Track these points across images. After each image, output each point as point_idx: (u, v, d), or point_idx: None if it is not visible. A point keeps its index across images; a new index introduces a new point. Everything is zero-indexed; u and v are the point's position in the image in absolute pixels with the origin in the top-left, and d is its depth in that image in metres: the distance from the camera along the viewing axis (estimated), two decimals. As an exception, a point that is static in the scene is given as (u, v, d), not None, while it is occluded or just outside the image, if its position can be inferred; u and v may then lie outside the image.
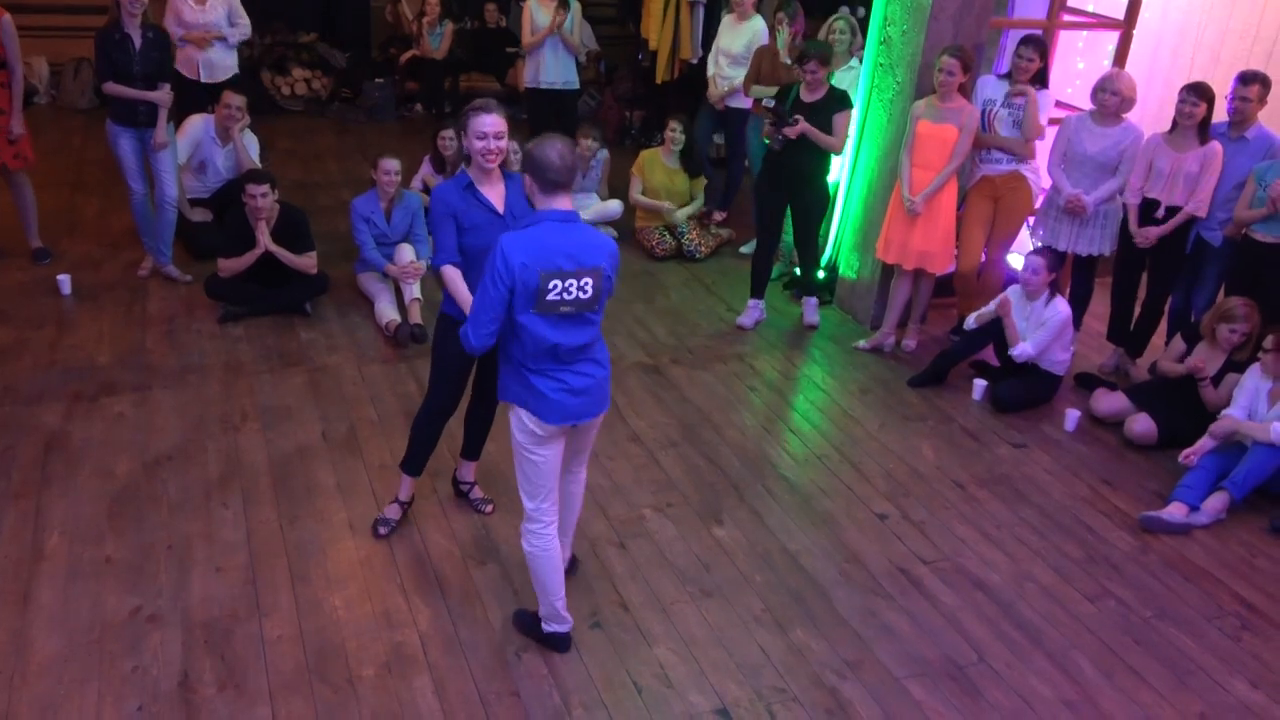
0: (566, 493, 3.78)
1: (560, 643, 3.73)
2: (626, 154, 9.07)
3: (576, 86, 8.31)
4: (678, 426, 5.28)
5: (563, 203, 3.31)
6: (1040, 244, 5.98)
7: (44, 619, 3.69)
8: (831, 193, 6.41)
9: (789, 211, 6.37)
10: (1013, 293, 5.72)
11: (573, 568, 4.07)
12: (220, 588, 3.92)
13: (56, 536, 4.12)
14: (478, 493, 4.50)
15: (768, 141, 6.04)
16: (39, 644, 3.58)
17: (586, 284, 3.29)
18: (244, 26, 7.26)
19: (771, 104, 5.99)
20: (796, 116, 5.86)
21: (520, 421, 3.44)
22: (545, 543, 3.54)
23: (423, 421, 4.17)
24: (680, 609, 4.00)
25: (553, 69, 8.02)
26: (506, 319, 3.31)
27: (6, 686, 3.39)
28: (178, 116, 6.52)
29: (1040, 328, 5.56)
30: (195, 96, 7.07)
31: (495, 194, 3.84)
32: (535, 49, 7.95)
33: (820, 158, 6.07)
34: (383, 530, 4.26)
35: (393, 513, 4.31)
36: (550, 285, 3.24)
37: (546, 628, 3.72)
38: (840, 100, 5.96)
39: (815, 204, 6.24)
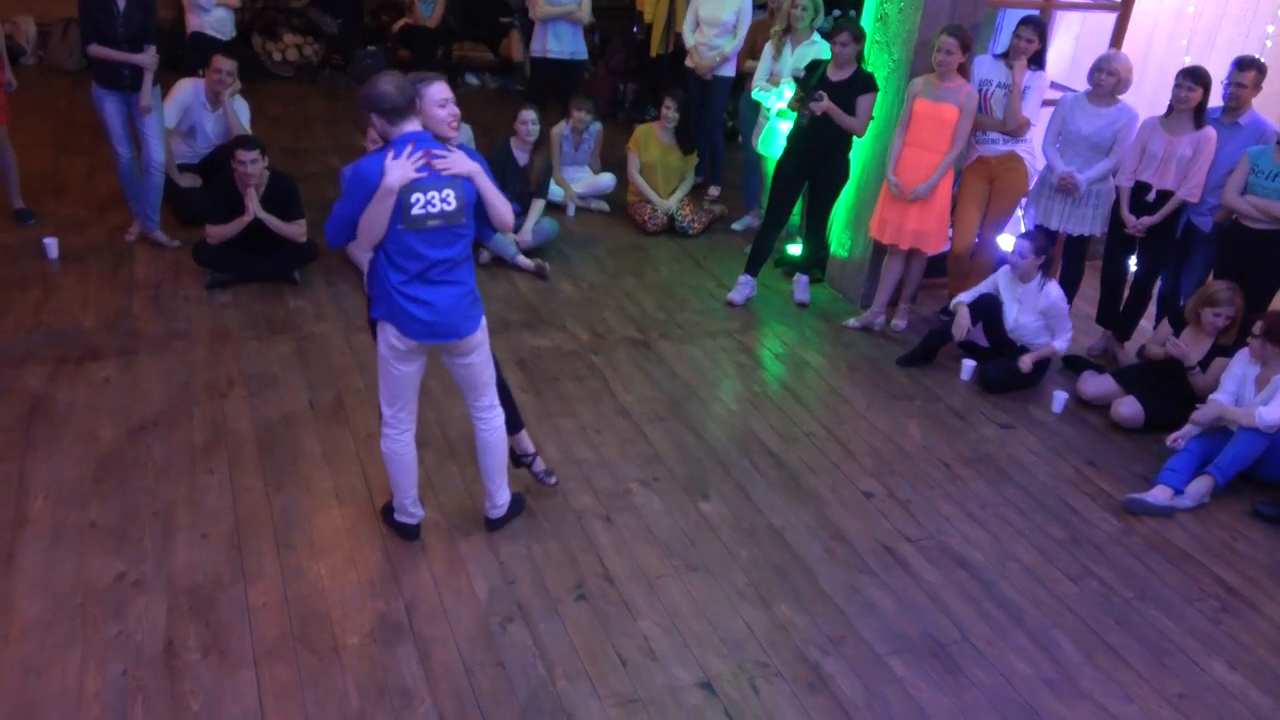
0: (480, 441, 4.01)
1: (408, 532, 4.09)
2: (619, 127, 9.03)
3: (585, 57, 8.25)
4: (665, 401, 5.28)
5: (411, 126, 3.52)
6: (1032, 224, 5.98)
7: (27, 582, 3.68)
8: (852, 172, 6.35)
9: (804, 189, 6.35)
10: (1003, 274, 5.73)
11: (517, 508, 4.25)
12: (205, 554, 3.91)
13: (41, 500, 4.10)
14: (540, 465, 4.44)
15: (796, 114, 5.96)
16: (22, 607, 3.57)
17: (448, 195, 3.54)
18: None
19: (800, 75, 5.94)
20: (821, 93, 5.81)
21: (385, 336, 3.72)
22: (399, 447, 3.90)
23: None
24: (665, 583, 4.01)
25: (564, 38, 7.95)
26: (381, 245, 3.58)
27: (-11, 649, 3.39)
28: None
29: (1038, 315, 5.57)
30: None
31: None
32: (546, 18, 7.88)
33: (843, 135, 6.04)
34: (553, 480, 4.44)
35: (540, 465, 4.45)
36: (413, 199, 3.49)
37: (397, 518, 4.09)
38: (865, 83, 5.91)
39: (833, 181, 6.21)
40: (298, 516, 4.16)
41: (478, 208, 3.67)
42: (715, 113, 7.82)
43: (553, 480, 4.44)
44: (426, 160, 3.50)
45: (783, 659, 3.70)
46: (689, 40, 7.63)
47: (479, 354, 3.86)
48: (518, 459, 4.41)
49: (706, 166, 8.03)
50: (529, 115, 6.66)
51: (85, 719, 3.18)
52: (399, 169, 3.44)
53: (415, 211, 3.49)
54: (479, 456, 4.06)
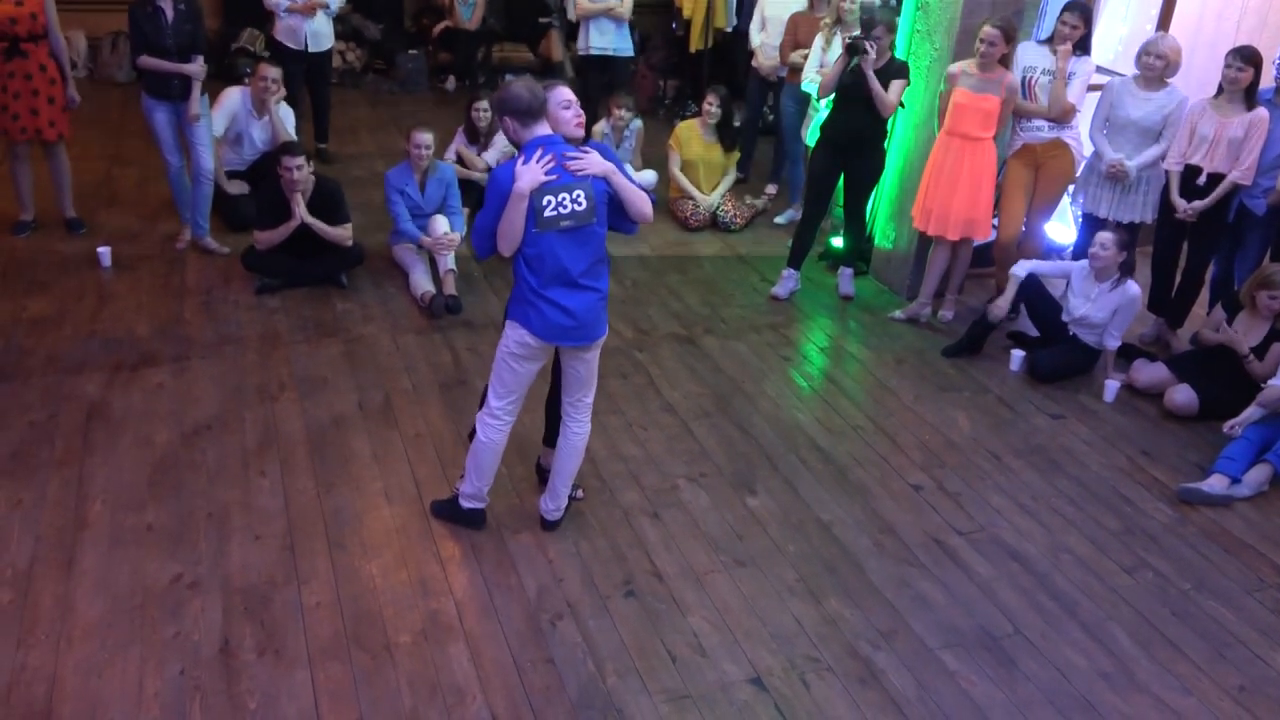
0: (567, 442, 4.04)
1: (478, 518, 4.14)
2: (659, 123, 9.03)
3: (630, 53, 8.27)
4: (711, 397, 5.27)
5: (542, 129, 3.64)
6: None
7: (88, 585, 3.76)
8: (894, 163, 6.29)
9: (841, 181, 6.32)
10: (1079, 269, 5.60)
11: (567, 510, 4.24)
12: (259, 555, 3.97)
13: (99, 504, 4.19)
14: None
15: (855, 59, 5.79)
16: (83, 609, 3.65)
17: (578, 195, 3.62)
18: None
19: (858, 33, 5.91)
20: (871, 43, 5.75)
21: (516, 334, 3.79)
22: (498, 436, 3.97)
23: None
24: (714, 578, 4.01)
25: (607, 34, 7.98)
26: (520, 250, 3.67)
27: (53, 650, 3.46)
28: (287, 89, 6.94)
29: (1108, 313, 5.45)
30: (302, 65, 7.62)
31: None
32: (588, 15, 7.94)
33: (876, 125, 6.01)
34: (579, 494, 4.39)
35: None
36: (545, 202, 3.58)
37: (466, 504, 4.12)
38: (899, 70, 5.89)
39: (870, 171, 6.19)
40: (349, 517, 4.21)
41: (613, 203, 3.74)
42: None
43: (579, 494, 4.40)
44: (557, 163, 3.58)
45: (833, 654, 3.68)
46: (755, 41, 7.64)
47: (597, 352, 3.96)
48: (544, 471, 4.40)
49: (771, 165, 7.99)
50: None
51: (145, 719, 3.25)
52: (529, 173, 3.54)
53: (547, 214, 3.60)
54: (559, 455, 4.08)
